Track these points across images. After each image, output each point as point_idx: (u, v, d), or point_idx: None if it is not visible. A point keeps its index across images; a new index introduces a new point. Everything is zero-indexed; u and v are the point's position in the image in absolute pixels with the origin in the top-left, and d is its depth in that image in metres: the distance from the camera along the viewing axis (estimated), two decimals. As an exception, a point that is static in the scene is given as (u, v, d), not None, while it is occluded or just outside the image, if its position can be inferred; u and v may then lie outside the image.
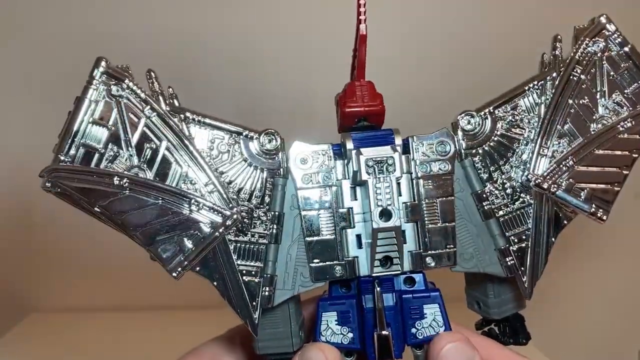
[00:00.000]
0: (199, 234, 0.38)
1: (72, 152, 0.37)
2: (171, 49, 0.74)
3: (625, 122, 0.41)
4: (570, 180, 0.41)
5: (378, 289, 0.41)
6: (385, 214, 0.40)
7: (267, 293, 0.40)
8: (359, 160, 0.40)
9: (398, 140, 0.42)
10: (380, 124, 0.44)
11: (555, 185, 0.41)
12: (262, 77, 0.77)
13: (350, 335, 0.42)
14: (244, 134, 0.41)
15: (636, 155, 0.41)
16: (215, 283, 0.39)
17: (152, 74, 0.40)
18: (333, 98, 0.45)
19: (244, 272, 0.40)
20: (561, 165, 0.41)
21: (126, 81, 0.38)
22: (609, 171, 0.41)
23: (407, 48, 0.77)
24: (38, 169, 0.37)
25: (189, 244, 0.38)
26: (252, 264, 0.40)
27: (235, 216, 0.39)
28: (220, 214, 0.39)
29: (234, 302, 0.40)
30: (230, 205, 0.39)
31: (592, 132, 0.42)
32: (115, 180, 0.37)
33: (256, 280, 0.40)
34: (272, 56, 0.77)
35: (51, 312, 0.92)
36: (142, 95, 0.39)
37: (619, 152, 0.41)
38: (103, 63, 0.38)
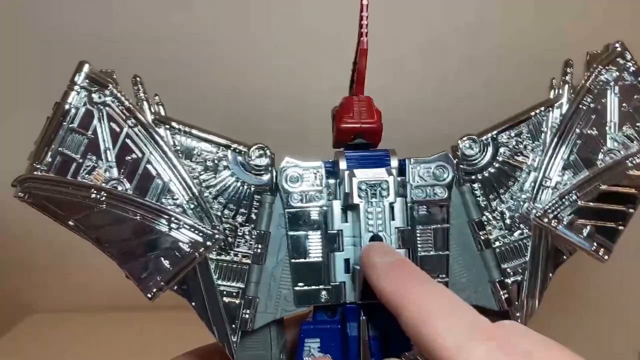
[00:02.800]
0: (177, 253, 0.36)
1: (48, 160, 0.35)
2: (161, 52, 0.72)
3: (635, 157, 0.39)
4: (573, 215, 0.39)
5: (363, 317, 0.39)
6: (376, 240, 0.38)
7: (247, 316, 0.38)
8: (352, 182, 0.38)
9: (394, 163, 0.40)
10: (377, 142, 0.42)
11: (557, 220, 0.39)
12: (254, 86, 0.75)
13: None
14: (233, 147, 0.39)
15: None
16: (193, 303, 0.38)
17: (138, 79, 0.38)
18: (328, 110, 0.43)
19: (225, 292, 0.38)
20: (564, 199, 0.39)
21: (109, 87, 0.36)
22: (614, 209, 0.39)
23: (410, 58, 0.74)
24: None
25: (166, 263, 0.36)
26: (233, 284, 0.38)
27: (217, 236, 0.37)
28: (201, 233, 0.37)
29: (212, 324, 0.38)
30: (213, 224, 0.37)
31: (599, 166, 0.40)
32: (92, 194, 0.35)
33: (237, 301, 0.38)
34: (266, 65, 0.75)
35: (51, 312, 0.92)
36: (126, 103, 0.37)
37: (626, 190, 0.39)
38: (86, 67, 0.36)
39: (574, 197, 0.39)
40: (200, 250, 0.36)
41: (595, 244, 0.39)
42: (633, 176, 0.39)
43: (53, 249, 0.86)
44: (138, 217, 0.35)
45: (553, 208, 0.39)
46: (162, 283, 0.36)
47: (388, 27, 0.68)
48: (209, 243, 0.37)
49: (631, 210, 0.39)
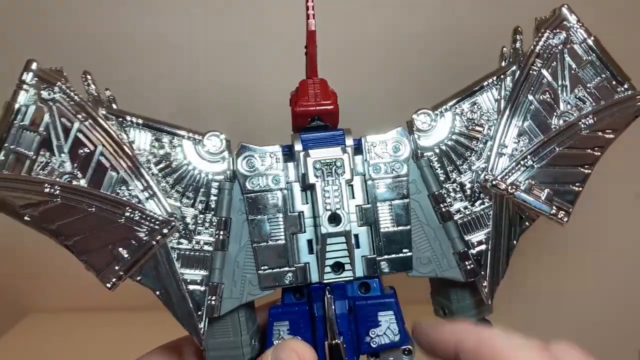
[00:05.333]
0: (134, 242, 0.36)
1: (1, 158, 0.36)
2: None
3: (587, 118, 0.39)
4: (530, 180, 0.39)
5: (328, 296, 0.39)
6: (335, 219, 0.38)
7: (213, 302, 0.39)
8: (307, 162, 0.38)
9: (349, 141, 0.40)
10: (335, 124, 0.42)
11: (514, 186, 0.39)
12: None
13: None
14: (187, 136, 0.39)
15: (598, 154, 0.39)
16: (157, 293, 0.38)
17: (88, 76, 0.38)
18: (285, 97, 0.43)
19: (189, 280, 0.38)
20: (520, 165, 0.39)
21: (58, 84, 0.37)
22: (571, 171, 0.39)
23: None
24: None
25: (124, 253, 0.36)
26: (196, 272, 0.39)
27: (173, 223, 0.37)
28: (157, 221, 0.37)
29: (178, 312, 0.38)
30: (170, 212, 0.38)
31: (553, 129, 0.40)
32: (46, 188, 0.35)
33: (201, 289, 0.38)
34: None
35: (51, 312, 0.92)
36: (76, 98, 0.37)
37: (580, 151, 0.39)
38: (34, 65, 0.37)
39: (530, 162, 0.39)
40: (158, 237, 0.37)
41: (554, 207, 0.39)
42: (586, 137, 0.39)
43: (53, 249, 0.85)
44: (93, 209, 0.36)
45: (509, 174, 0.39)
46: (120, 272, 0.36)
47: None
48: (165, 230, 0.37)
49: (588, 171, 0.39)
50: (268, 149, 0.40)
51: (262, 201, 0.40)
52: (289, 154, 0.40)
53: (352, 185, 0.40)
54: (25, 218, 0.35)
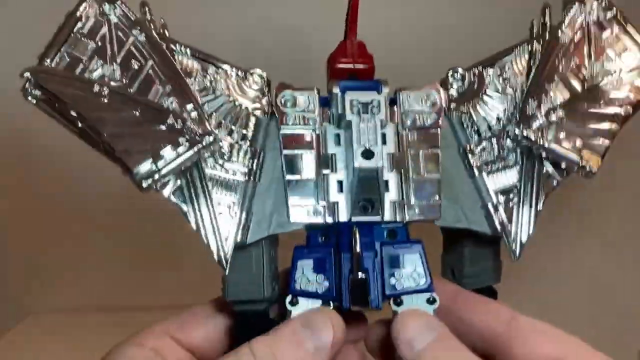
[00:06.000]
0: (173, 148, 0.37)
1: (57, 60, 0.37)
2: None
3: (616, 79, 0.41)
4: (560, 132, 0.40)
5: (357, 233, 0.39)
6: (368, 154, 0.39)
7: (241, 227, 0.38)
8: (344, 100, 0.40)
9: (385, 89, 0.41)
10: None
11: (544, 138, 0.40)
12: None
13: (326, 283, 0.39)
14: (231, 70, 0.41)
15: (625, 112, 0.40)
16: (187, 212, 0.38)
17: (146, 7, 0.41)
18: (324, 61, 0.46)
19: (219, 203, 0.39)
20: (550, 117, 0.40)
21: (118, 2, 0.39)
22: (599, 126, 0.40)
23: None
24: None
25: (162, 156, 0.36)
26: (228, 197, 0.39)
27: (214, 136, 0.38)
28: (197, 133, 0.38)
29: (206, 234, 0.38)
30: (210, 129, 0.39)
31: (581, 90, 0.41)
32: (95, 88, 0.36)
33: (231, 213, 0.39)
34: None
35: (51, 312, 0.90)
36: (133, 17, 0.39)
37: (609, 110, 0.40)
38: None
39: (560, 114, 0.40)
40: (197, 148, 0.37)
41: (583, 158, 0.40)
42: (614, 98, 0.41)
43: (53, 250, 0.85)
44: (137, 113, 0.37)
45: (539, 127, 0.40)
46: (157, 175, 0.36)
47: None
48: (205, 142, 0.37)
49: (617, 127, 0.40)
50: (306, 90, 0.42)
51: (297, 137, 0.41)
52: (325, 102, 0.42)
53: (384, 134, 0.41)
54: (72, 113, 0.36)
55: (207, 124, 0.38)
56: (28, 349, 0.80)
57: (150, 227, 0.79)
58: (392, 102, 0.42)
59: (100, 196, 0.81)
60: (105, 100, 0.36)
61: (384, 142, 0.41)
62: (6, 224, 0.84)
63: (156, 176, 0.36)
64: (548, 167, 0.41)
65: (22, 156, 0.81)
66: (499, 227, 0.40)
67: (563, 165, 0.40)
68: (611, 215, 0.82)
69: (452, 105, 0.43)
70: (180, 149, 0.37)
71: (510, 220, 0.40)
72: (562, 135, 0.40)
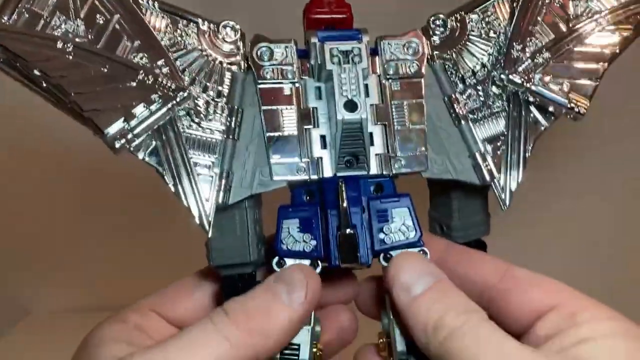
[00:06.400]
0: (145, 106, 0.35)
1: (14, 17, 0.34)
2: None
3: (602, 18, 0.40)
4: (546, 74, 0.39)
5: (343, 188, 0.37)
6: (351, 106, 0.37)
7: (222, 187, 0.37)
8: (324, 49, 0.38)
9: (366, 38, 0.40)
10: None
11: (529, 80, 0.39)
12: None
13: (313, 242, 0.38)
14: (202, 23, 0.39)
15: (612, 51, 0.39)
16: (164, 174, 0.36)
17: None
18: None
19: (198, 163, 0.37)
20: (535, 60, 0.39)
21: None
22: (586, 66, 0.39)
23: None
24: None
25: (134, 114, 0.34)
26: (206, 156, 0.37)
27: (188, 92, 0.36)
28: (170, 89, 0.36)
29: (186, 196, 0.36)
30: (185, 85, 0.37)
31: (566, 30, 0.40)
32: (59, 44, 0.34)
33: (210, 173, 0.37)
34: None
35: (50, 312, 0.90)
36: None
37: (596, 49, 0.39)
38: None
39: (547, 55, 0.39)
40: (172, 103, 0.35)
41: (571, 100, 0.39)
42: (601, 35, 0.40)
43: (52, 250, 0.84)
44: (106, 70, 0.35)
45: (525, 69, 0.39)
46: (130, 134, 0.34)
47: None
48: (179, 98, 0.36)
49: (604, 66, 0.39)
50: (282, 42, 0.40)
51: (276, 92, 0.39)
52: (303, 55, 0.40)
53: (367, 85, 0.39)
54: (35, 72, 0.33)
55: (180, 79, 0.36)
56: (28, 349, 0.79)
57: (152, 227, 0.77)
58: (373, 52, 0.40)
59: (101, 197, 0.80)
60: (70, 57, 0.34)
61: (366, 93, 0.39)
62: (6, 223, 0.82)
63: (129, 136, 0.34)
64: (535, 113, 0.40)
65: (24, 156, 0.79)
66: (487, 177, 0.39)
67: (551, 109, 0.39)
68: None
69: (435, 53, 0.41)
70: (153, 107, 0.35)
71: (498, 169, 0.39)
72: (548, 77, 0.39)
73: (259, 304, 0.34)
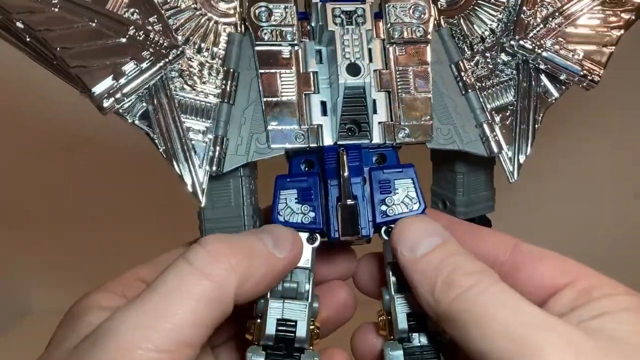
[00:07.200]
0: (136, 63, 0.33)
1: None
2: None
3: None
4: (558, 39, 0.37)
5: (344, 157, 0.36)
6: (354, 69, 0.35)
7: (216, 154, 0.35)
8: (325, 9, 0.36)
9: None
10: None
11: (540, 46, 0.37)
12: None
13: (312, 214, 0.36)
14: None
15: (628, 17, 0.38)
16: (155, 139, 0.34)
17: None
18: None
19: (191, 129, 0.35)
20: (547, 25, 0.37)
21: None
22: (600, 32, 0.37)
23: None
24: None
25: (123, 72, 0.32)
26: (200, 121, 0.35)
27: (181, 49, 0.34)
28: (162, 45, 0.33)
29: (178, 163, 0.34)
30: (178, 43, 0.34)
31: None
32: None
33: (204, 139, 0.35)
34: None
35: (50, 312, 0.86)
36: None
37: (610, 13, 0.38)
38: None
39: (559, 20, 0.37)
40: (162, 62, 0.33)
41: (584, 67, 0.37)
42: (617, 1, 0.38)
43: (52, 249, 0.83)
44: (94, 24, 0.32)
45: (535, 35, 0.37)
46: (118, 94, 0.32)
47: None
48: (171, 56, 0.33)
49: (619, 33, 0.38)
50: (282, 2, 0.37)
51: (274, 54, 0.37)
52: (303, 17, 0.38)
53: (370, 49, 0.37)
54: (18, 24, 0.31)
55: (173, 37, 0.34)
56: (28, 349, 0.76)
57: (153, 228, 0.75)
58: (377, 16, 0.38)
59: (101, 198, 0.79)
60: (56, 10, 0.32)
61: (370, 58, 0.37)
62: (6, 223, 0.80)
63: (118, 94, 0.32)
64: (546, 82, 0.38)
65: (25, 157, 0.78)
66: (495, 148, 0.37)
67: (563, 77, 0.37)
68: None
69: (442, 17, 0.39)
70: (144, 64, 0.33)
71: (507, 140, 0.38)
72: (560, 44, 0.37)
73: (243, 242, 0.32)
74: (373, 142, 0.37)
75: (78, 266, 0.82)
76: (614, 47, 0.37)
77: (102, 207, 0.80)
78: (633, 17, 0.38)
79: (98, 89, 0.32)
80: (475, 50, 0.39)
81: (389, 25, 0.38)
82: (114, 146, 0.67)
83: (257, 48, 0.37)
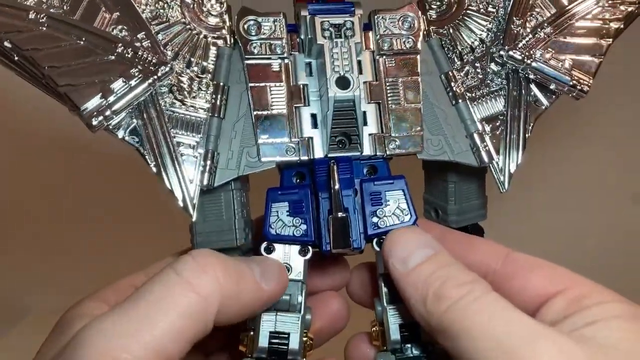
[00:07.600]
0: (124, 81, 0.33)
1: None
2: None
3: None
4: (547, 50, 0.37)
5: (335, 169, 0.36)
6: (343, 82, 0.35)
7: (207, 168, 0.35)
8: (314, 22, 0.36)
9: (359, 11, 0.37)
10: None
11: (530, 56, 0.37)
12: None
13: (304, 227, 0.36)
14: None
15: (617, 26, 0.38)
16: (145, 154, 0.34)
17: None
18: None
19: (181, 143, 0.35)
20: (536, 35, 0.37)
21: None
22: (590, 42, 0.37)
23: None
24: None
25: (112, 89, 0.32)
26: (190, 136, 0.35)
27: (169, 66, 0.34)
28: (151, 62, 0.34)
29: (168, 178, 0.34)
30: (167, 60, 0.34)
31: (568, 4, 0.38)
32: (31, 14, 0.32)
33: (195, 154, 0.35)
34: None
35: (50, 312, 0.87)
36: None
37: (599, 23, 0.38)
38: None
39: (547, 32, 0.37)
40: (151, 80, 0.33)
41: (573, 77, 0.37)
42: (604, 9, 0.38)
43: (52, 249, 0.82)
44: (82, 42, 0.32)
45: (526, 44, 0.37)
46: (108, 112, 0.32)
47: None
48: (160, 73, 0.33)
49: (608, 42, 0.38)
50: (271, 15, 0.37)
51: (264, 68, 0.37)
52: (292, 30, 0.38)
53: (360, 61, 0.37)
54: (5, 44, 0.31)
55: (162, 53, 0.34)
56: (28, 349, 0.76)
57: (153, 228, 0.75)
58: (367, 27, 0.38)
59: (101, 198, 0.79)
60: (44, 29, 0.32)
61: (359, 70, 0.37)
62: (6, 223, 0.80)
63: (107, 112, 0.32)
64: (535, 91, 0.38)
65: (25, 157, 0.78)
66: (486, 158, 0.38)
67: (552, 87, 0.37)
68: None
69: (431, 28, 0.39)
70: (133, 82, 0.33)
71: (497, 150, 0.38)
72: (550, 53, 0.37)
73: (234, 263, 0.32)
74: (364, 154, 0.37)
75: (78, 266, 0.82)
76: (603, 57, 0.37)
77: (102, 208, 0.80)
78: (622, 27, 0.38)
79: (87, 107, 0.32)
80: (465, 60, 0.39)
81: (378, 36, 0.38)
82: (114, 146, 0.67)
83: (247, 62, 0.37)
